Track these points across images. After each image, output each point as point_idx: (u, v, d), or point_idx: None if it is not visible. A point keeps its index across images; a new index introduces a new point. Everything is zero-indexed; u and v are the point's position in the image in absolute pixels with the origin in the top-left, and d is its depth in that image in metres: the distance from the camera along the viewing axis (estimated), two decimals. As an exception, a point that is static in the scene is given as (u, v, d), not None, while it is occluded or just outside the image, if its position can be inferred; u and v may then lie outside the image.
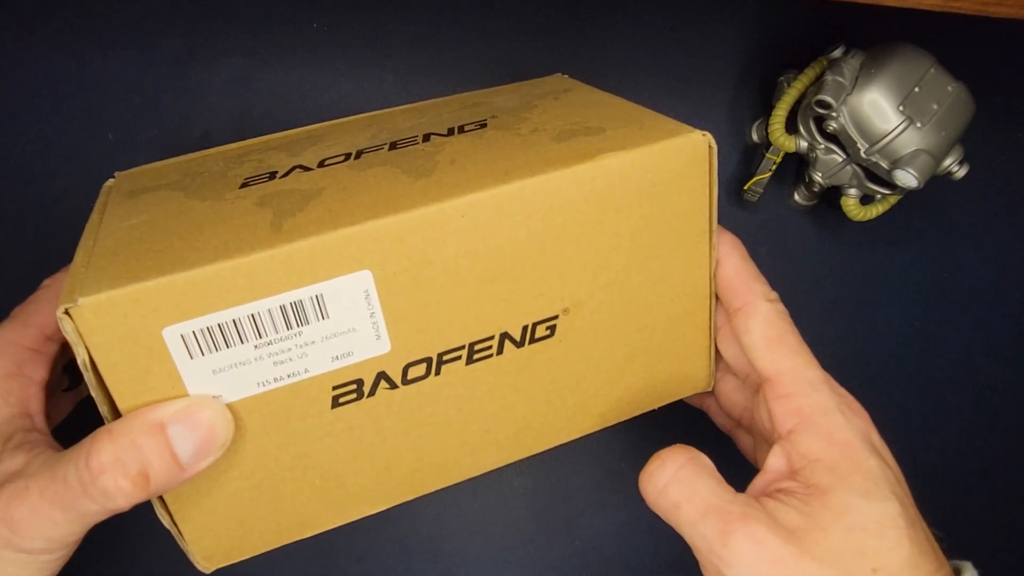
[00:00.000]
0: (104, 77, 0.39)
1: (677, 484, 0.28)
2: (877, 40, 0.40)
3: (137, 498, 0.25)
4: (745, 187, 0.44)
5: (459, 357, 0.30)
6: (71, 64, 0.39)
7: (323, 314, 0.27)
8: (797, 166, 0.45)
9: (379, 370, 0.28)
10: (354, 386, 0.28)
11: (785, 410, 0.29)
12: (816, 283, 0.48)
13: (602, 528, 0.49)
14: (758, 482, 0.29)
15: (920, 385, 0.50)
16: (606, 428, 0.34)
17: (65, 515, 0.25)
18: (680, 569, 0.49)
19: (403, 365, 0.29)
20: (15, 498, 0.25)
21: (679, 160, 0.30)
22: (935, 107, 0.38)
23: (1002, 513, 0.52)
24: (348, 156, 0.32)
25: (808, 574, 0.25)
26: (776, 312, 0.31)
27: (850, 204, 0.42)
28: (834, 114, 0.38)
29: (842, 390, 0.31)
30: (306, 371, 0.27)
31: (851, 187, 0.42)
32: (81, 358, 0.24)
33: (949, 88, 0.38)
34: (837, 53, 0.40)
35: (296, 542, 0.40)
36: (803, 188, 0.44)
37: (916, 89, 0.38)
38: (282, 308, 0.26)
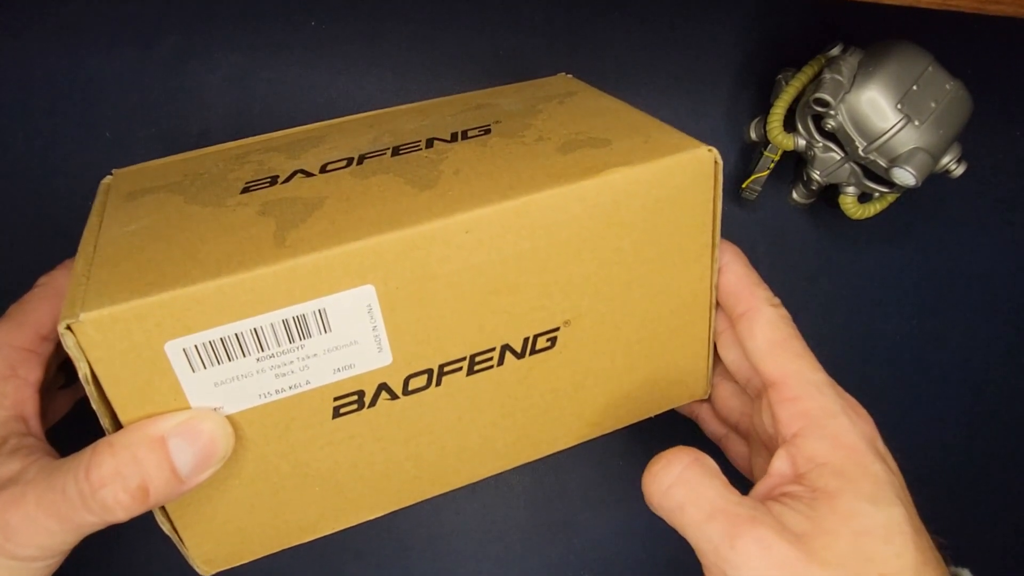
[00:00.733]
0: (101, 75, 0.39)
1: (682, 485, 0.27)
2: (875, 38, 0.40)
3: (135, 512, 0.25)
4: (743, 185, 0.44)
5: (460, 368, 0.30)
6: (68, 62, 0.39)
7: (325, 328, 0.26)
8: (795, 164, 0.45)
9: (380, 381, 0.29)
10: (355, 397, 0.28)
11: (790, 413, 0.29)
12: (814, 281, 0.48)
13: (601, 527, 0.49)
14: (762, 486, 0.29)
15: (918, 383, 0.50)
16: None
17: (61, 525, 0.25)
18: (678, 569, 0.49)
19: (404, 376, 0.29)
20: (11, 505, 0.25)
21: (684, 176, 0.29)
22: (933, 105, 0.38)
23: (1001, 513, 0.52)
24: (350, 161, 0.31)
25: None
26: (780, 316, 0.31)
27: (848, 202, 0.42)
28: (832, 112, 0.38)
29: (846, 394, 0.30)
30: (307, 383, 0.27)
31: (849, 185, 0.42)
32: (83, 372, 0.24)
33: (947, 86, 0.38)
34: (835, 51, 0.40)
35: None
36: (801, 186, 0.44)
37: (914, 87, 0.38)
38: (284, 322, 0.26)
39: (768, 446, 0.32)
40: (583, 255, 0.29)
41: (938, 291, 0.49)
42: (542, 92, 0.37)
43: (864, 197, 0.43)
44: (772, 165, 0.43)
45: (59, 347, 0.32)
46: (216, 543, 0.29)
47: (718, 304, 0.33)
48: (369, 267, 0.26)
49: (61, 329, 0.24)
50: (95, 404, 0.25)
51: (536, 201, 0.28)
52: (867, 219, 0.43)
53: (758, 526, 0.26)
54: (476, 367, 0.30)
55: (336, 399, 0.28)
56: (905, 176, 0.38)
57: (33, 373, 0.30)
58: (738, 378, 0.34)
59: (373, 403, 0.29)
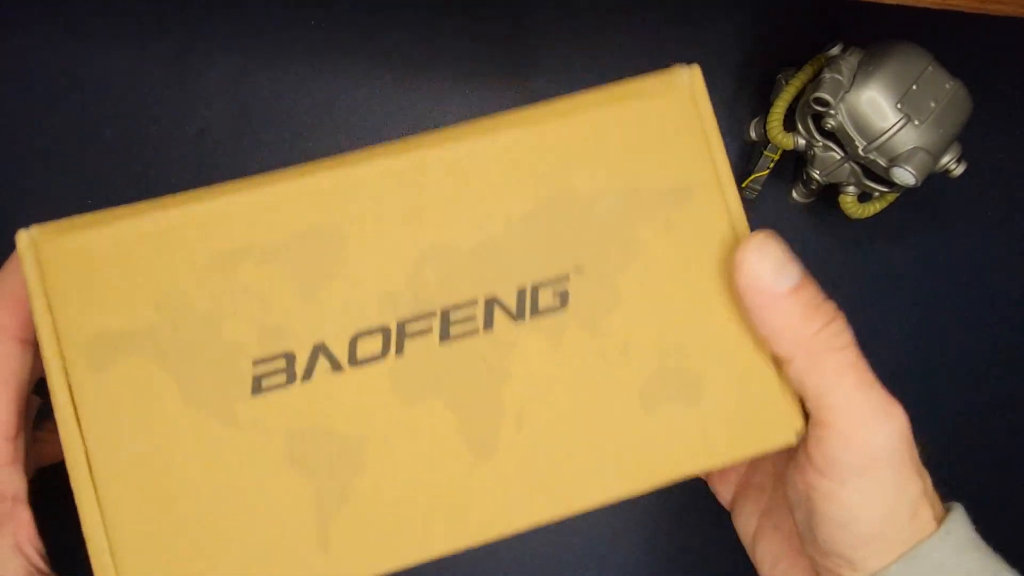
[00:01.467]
0: (101, 74, 0.39)
1: None
2: (875, 38, 0.40)
3: None
4: (743, 184, 0.44)
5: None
6: (68, 62, 0.39)
7: None
8: (795, 164, 0.45)
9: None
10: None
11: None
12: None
13: (600, 526, 0.49)
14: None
15: (918, 382, 0.50)
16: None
17: None
18: (678, 568, 0.49)
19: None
20: None
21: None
22: (933, 105, 0.38)
23: (1001, 513, 0.52)
24: (386, 342, 0.25)
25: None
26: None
27: (848, 202, 0.42)
28: (832, 112, 0.38)
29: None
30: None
31: (849, 185, 0.42)
32: None
33: (947, 86, 0.38)
34: (835, 51, 0.40)
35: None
36: (801, 186, 0.44)
37: (914, 87, 0.38)
38: None
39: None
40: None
41: (938, 290, 0.49)
42: (648, 162, 0.27)
43: (864, 197, 0.43)
44: (772, 164, 0.43)
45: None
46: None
47: None
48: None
49: None
50: None
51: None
52: (867, 219, 0.43)
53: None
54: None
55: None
56: (905, 176, 0.38)
57: (13, 483, 0.26)
58: None
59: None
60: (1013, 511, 0.53)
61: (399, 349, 0.25)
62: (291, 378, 0.24)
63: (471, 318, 0.25)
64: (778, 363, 0.26)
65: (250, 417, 0.24)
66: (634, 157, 0.26)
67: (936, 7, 0.32)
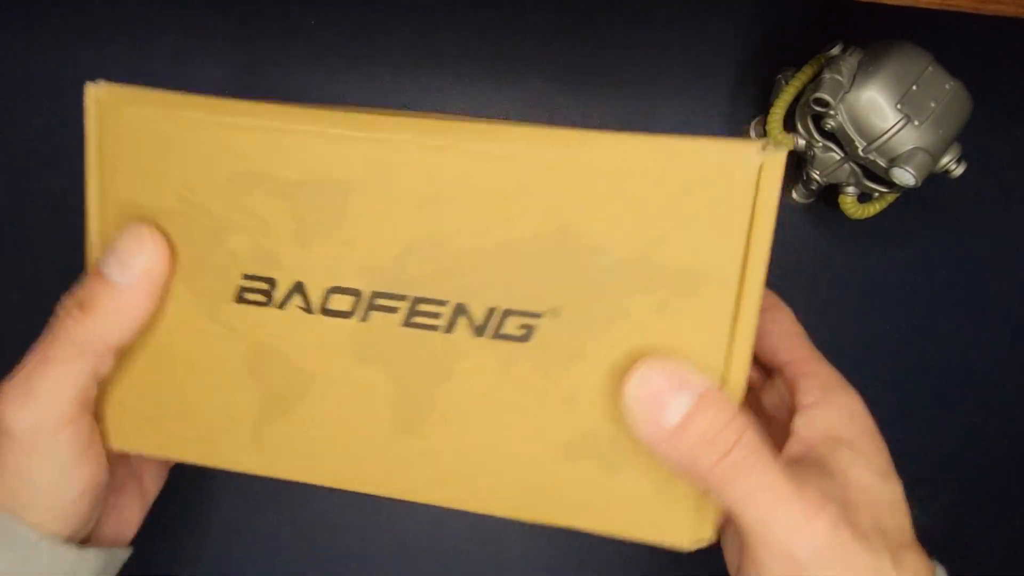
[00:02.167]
0: (101, 74, 0.39)
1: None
2: (875, 38, 0.40)
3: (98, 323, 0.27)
4: (743, 185, 0.44)
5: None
6: (69, 62, 0.39)
7: None
8: (795, 164, 0.45)
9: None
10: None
11: (810, 384, 0.29)
12: (813, 281, 0.48)
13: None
14: (791, 450, 0.28)
15: (917, 383, 0.50)
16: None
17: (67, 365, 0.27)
18: (678, 568, 0.49)
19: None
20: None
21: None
22: (933, 105, 0.38)
23: (1002, 513, 0.52)
24: (356, 304, 0.27)
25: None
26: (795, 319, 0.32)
27: (848, 202, 0.42)
28: (832, 112, 0.39)
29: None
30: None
31: (849, 185, 0.42)
32: None
33: (947, 86, 0.38)
34: (835, 51, 0.40)
35: (291, 540, 0.40)
36: (801, 186, 0.44)
37: (914, 87, 0.38)
38: None
39: (775, 421, 0.31)
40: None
41: (938, 291, 0.49)
42: (672, 232, 0.25)
43: (864, 197, 0.43)
44: (772, 165, 0.43)
45: None
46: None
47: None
48: None
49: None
50: None
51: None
52: (867, 219, 0.43)
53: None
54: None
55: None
56: (905, 176, 0.38)
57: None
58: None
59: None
60: (1013, 511, 0.52)
61: (364, 316, 0.27)
62: (268, 301, 0.27)
63: (437, 315, 0.26)
64: None
65: (228, 319, 0.27)
66: (660, 223, 0.24)
67: (936, 7, 0.32)
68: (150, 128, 0.27)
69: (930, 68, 0.38)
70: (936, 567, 0.26)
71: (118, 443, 0.29)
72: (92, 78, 0.39)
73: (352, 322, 0.27)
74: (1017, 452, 0.52)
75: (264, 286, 0.27)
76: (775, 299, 0.32)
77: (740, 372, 0.25)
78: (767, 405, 0.32)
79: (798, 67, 0.42)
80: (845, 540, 0.24)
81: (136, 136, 0.27)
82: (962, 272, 0.49)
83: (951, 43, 0.39)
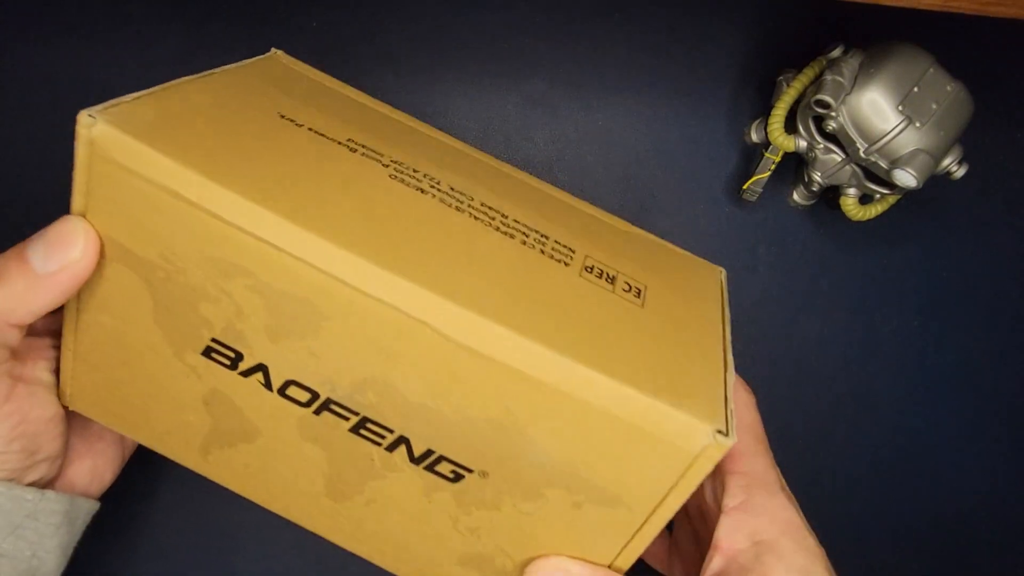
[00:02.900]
0: (101, 75, 0.39)
1: None
2: (876, 40, 0.40)
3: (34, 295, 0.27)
4: (744, 187, 0.44)
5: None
6: (69, 62, 0.39)
7: None
8: (796, 166, 0.45)
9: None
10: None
11: (739, 484, 0.30)
12: (814, 282, 0.48)
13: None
14: (716, 563, 0.29)
15: (918, 384, 0.50)
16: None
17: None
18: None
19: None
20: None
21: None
22: (934, 107, 0.38)
23: (1001, 514, 0.52)
24: (312, 400, 0.29)
25: None
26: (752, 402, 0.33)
27: (849, 204, 0.42)
28: (833, 114, 0.38)
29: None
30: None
31: (850, 187, 0.42)
32: None
33: (948, 88, 0.38)
34: (836, 52, 0.40)
35: (294, 537, 0.39)
36: (802, 188, 0.44)
37: (915, 89, 0.38)
38: None
39: (701, 515, 0.32)
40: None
41: (939, 293, 0.49)
42: (607, 461, 0.27)
43: (865, 199, 0.43)
44: (773, 167, 0.43)
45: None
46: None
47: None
48: None
49: None
50: None
51: None
52: (868, 221, 0.43)
53: None
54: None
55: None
56: (906, 178, 0.38)
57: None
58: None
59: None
60: (1013, 510, 0.52)
61: (317, 411, 0.29)
62: (232, 367, 0.29)
63: (381, 436, 0.29)
64: None
65: (193, 364, 0.29)
66: (600, 449, 0.27)
67: (937, 9, 0.32)
68: (140, 191, 0.26)
69: (931, 70, 0.38)
70: None
71: (77, 407, 0.31)
72: (96, 78, 0.39)
73: (305, 411, 0.29)
74: (1017, 452, 0.52)
75: (231, 354, 0.28)
76: (740, 384, 0.33)
77: (627, 562, 0.29)
78: (708, 499, 0.33)
79: (799, 69, 0.42)
80: None
81: (125, 194, 0.26)
82: (963, 274, 0.49)
83: (953, 45, 0.39)
